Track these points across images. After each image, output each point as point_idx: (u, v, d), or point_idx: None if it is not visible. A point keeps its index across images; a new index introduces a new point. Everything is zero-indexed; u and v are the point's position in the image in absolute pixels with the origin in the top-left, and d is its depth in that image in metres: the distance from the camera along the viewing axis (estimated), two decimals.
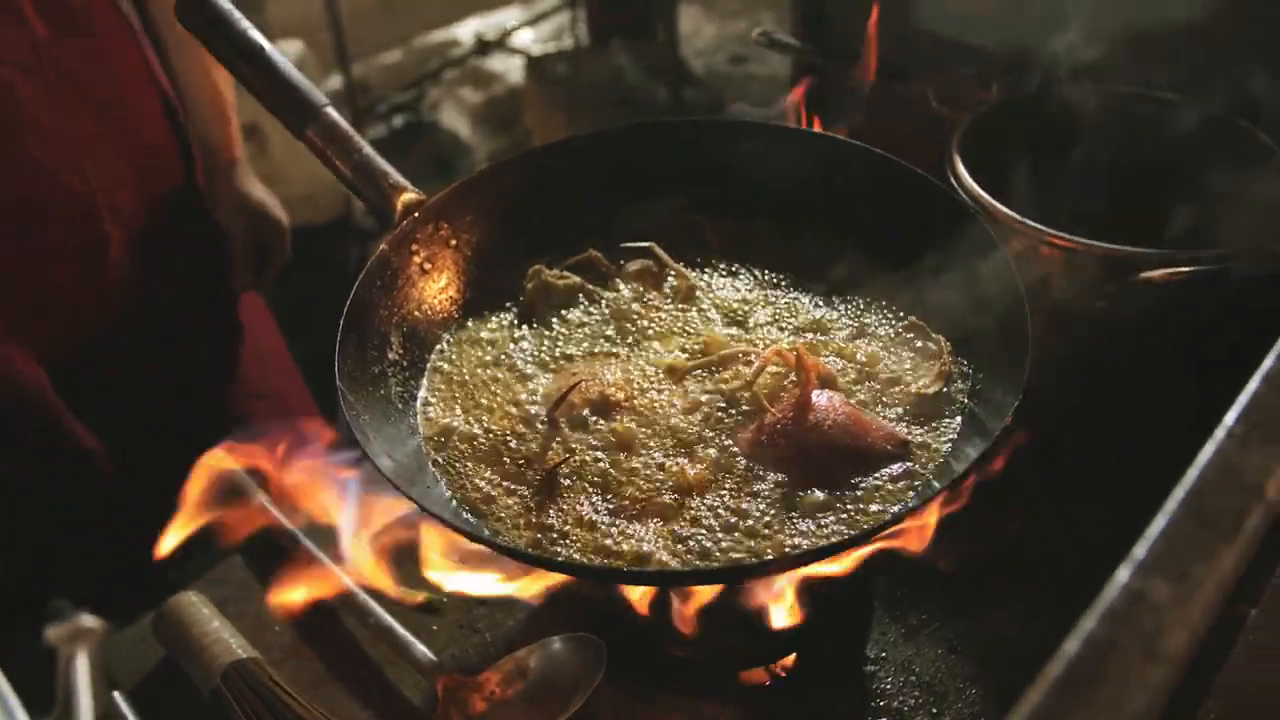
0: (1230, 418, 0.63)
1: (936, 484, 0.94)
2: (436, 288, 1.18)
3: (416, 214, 1.15)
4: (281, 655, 1.24)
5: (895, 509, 0.92)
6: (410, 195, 1.15)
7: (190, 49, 1.65)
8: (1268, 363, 0.68)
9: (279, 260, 1.86)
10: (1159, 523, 0.56)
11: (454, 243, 1.20)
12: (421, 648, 1.18)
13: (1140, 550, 0.55)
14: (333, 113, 1.17)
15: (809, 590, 1.10)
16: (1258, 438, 0.62)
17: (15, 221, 1.49)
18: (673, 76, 3.08)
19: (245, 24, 1.18)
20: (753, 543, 0.92)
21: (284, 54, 3.57)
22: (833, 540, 0.90)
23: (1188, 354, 1.20)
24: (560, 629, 1.13)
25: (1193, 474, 0.60)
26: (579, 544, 0.94)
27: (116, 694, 1.19)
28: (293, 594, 1.22)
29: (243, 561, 1.38)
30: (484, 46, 4.16)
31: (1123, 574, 0.54)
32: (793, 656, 1.15)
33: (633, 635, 1.15)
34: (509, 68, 4.20)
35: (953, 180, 1.30)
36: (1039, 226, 1.21)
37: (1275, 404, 0.64)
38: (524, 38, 4.50)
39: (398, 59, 4.40)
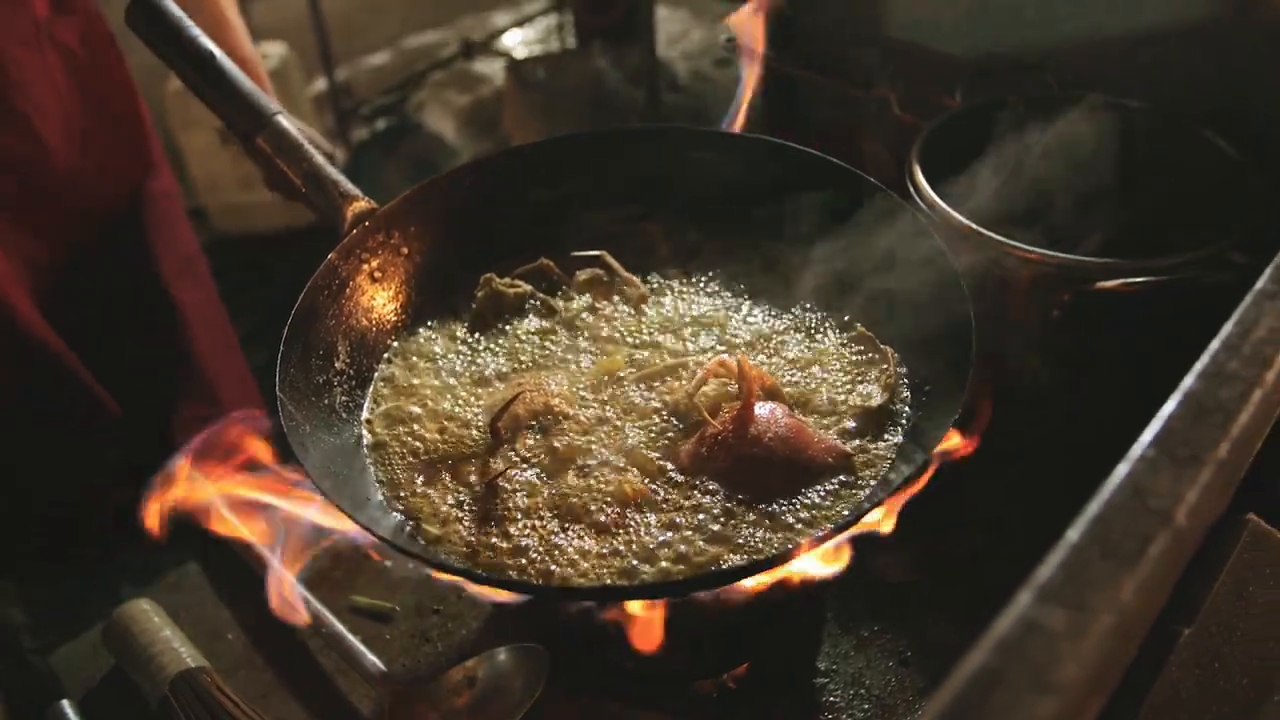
0: (1145, 438, 0.63)
1: (879, 496, 0.93)
2: (386, 296, 1.17)
3: (367, 223, 1.15)
4: (233, 664, 1.24)
5: (832, 524, 0.91)
6: (361, 204, 1.15)
7: (227, 22, 1.69)
8: (1187, 382, 0.67)
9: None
10: (1060, 549, 0.56)
11: (405, 251, 1.19)
12: (371, 657, 1.17)
13: (1039, 577, 0.54)
14: (283, 121, 1.16)
15: (759, 601, 1.09)
16: (1170, 461, 0.61)
17: (17, 190, 1.55)
18: (650, 81, 3.07)
19: (195, 31, 1.18)
20: (690, 557, 0.91)
21: (267, 56, 3.58)
22: (768, 555, 0.89)
23: (1144, 365, 1.20)
24: (514, 638, 1.13)
25: (1101, 497, 0.59)
26: (516, 557, 0.93)
27: (65, 703, 1.19)
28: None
29: (198, 568, 1.37)
30: (469, 49, 4.15)
31: (1021, 601, 0.53)
32: (743, 668, 1.14)
33: (582, 646, 1.14)
34: (495, 70, 4.19)
35: (911, 189, 1.29)
36: (994, 235, 1.20)
37: (1191, 425, 0.63)
38: (511, 40, 4.49)
39: (384, 61, 4.39)
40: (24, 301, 1.58)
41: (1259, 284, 0.75)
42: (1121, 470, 0.60)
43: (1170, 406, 0.64)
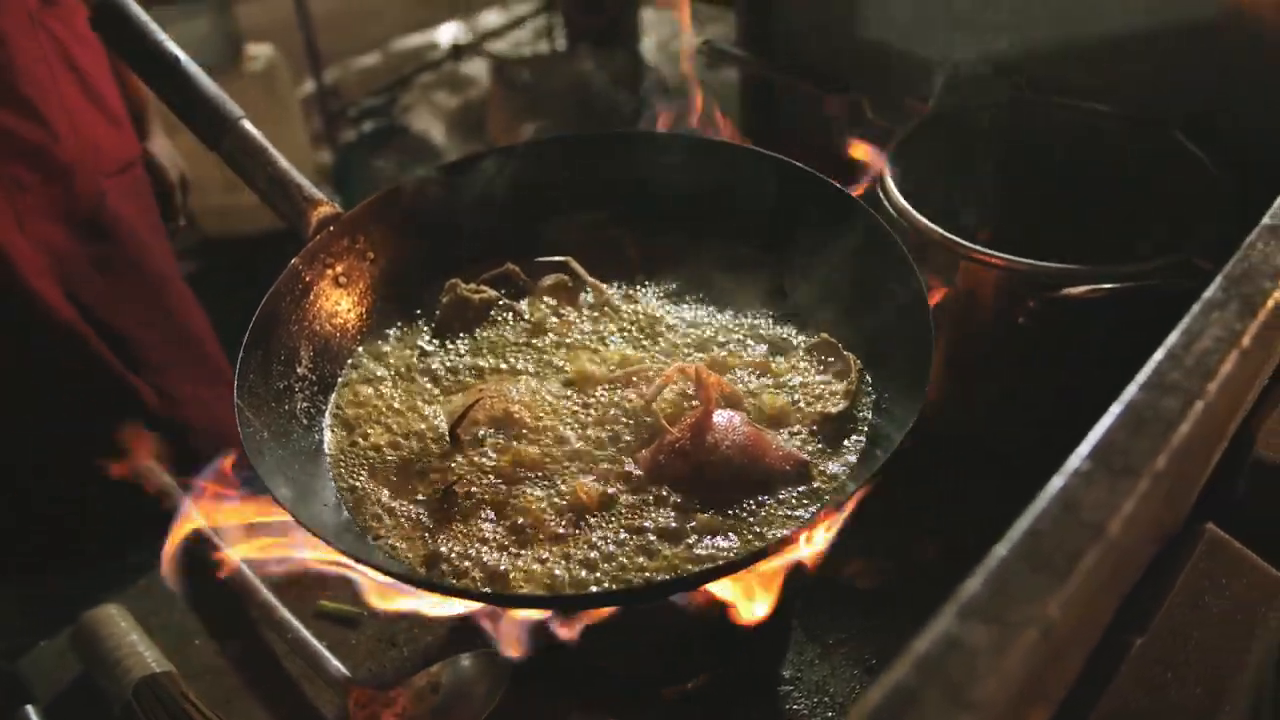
0: (1082, 450, 0.62)
1: (833, 505, 0.92)
2: (350, 301, 1.17)
3: (332, 228, 1.14)
4: (200, 669, 1.24)
5: (785, 531, 0.90)
6: (325, 209, 1.14)
7: None
8: (1129, 392, 0.66)
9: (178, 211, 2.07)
10: (988, 562, 0.55)
11: (370, 256, 1.19)
12: (335, 662, 1.17)
13: (964, 592, 0.54)
14: (247, 125, 1.16)
15: (721, 608, 1.09)
16: (1106, 473, 0.60)
17: (32, 175, 1.60)
18: (635, 83, 3.07)
19: (161, 35, 1.18)
20: (645, 565, 0.91)
21: (255, 57, 3.59)
22: (720, 564, 0.88)
23: (1110, 372, 1.19)
24: (480, 644, 1.12)
25: (1034, 510, 0.58)
26: (471, 565, 0.93)
27: (30, 708, 1.19)
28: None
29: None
30: (458, 51, 4.14)
31: (943, 617, 0.52)
32: (707, 675, 1.14)
33: (546, 653, 1.14)
34: (484, 72, 4.18)
35: (882, 194, 1.29)
36: (962, 242, 1.20)
37: (1130, 437, 0.63)
38: (501, 42, 4.48)
39: (374, 63, 4.39)
40: (54, 292, 1.61)
41: (1207, 293, 0.74)
42: (1056, 482, 0.60)
43: (1110, 417, 0.64)
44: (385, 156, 3.51)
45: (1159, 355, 0.68)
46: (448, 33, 4.55)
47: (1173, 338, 0.70)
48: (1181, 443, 0.63)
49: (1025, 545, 0.56)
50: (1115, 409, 0.64)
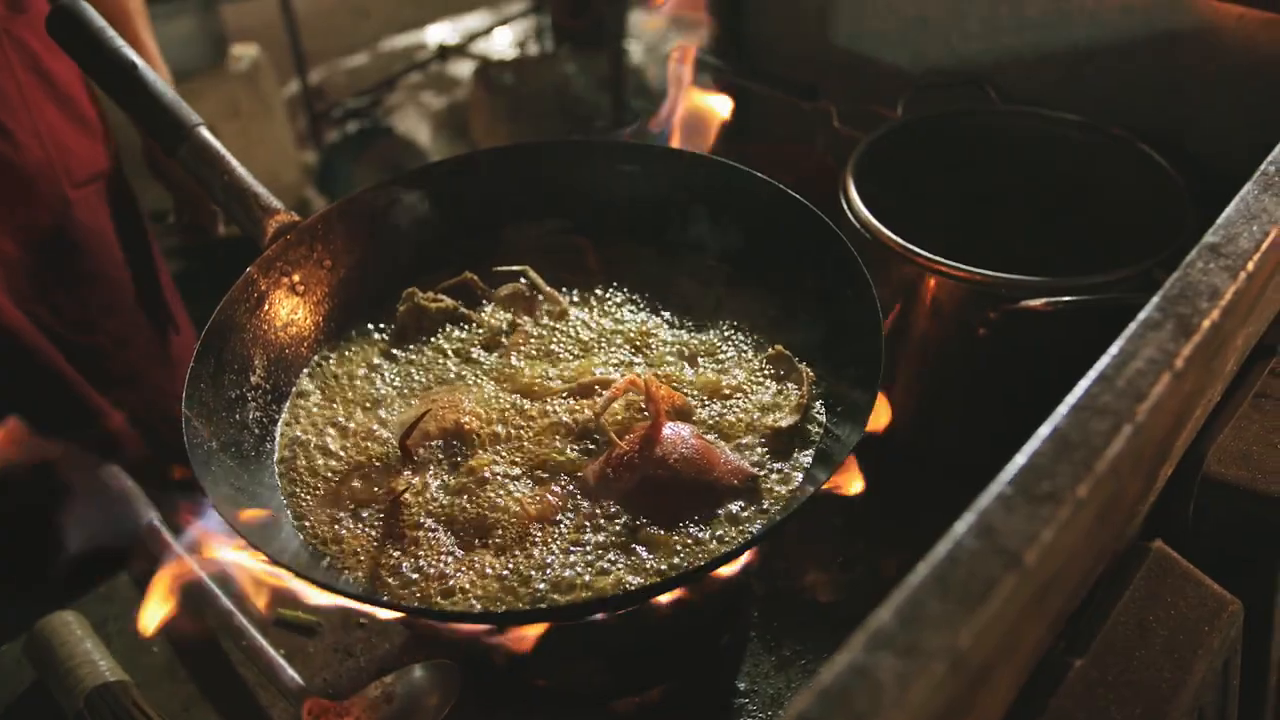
0: (1005, 475, 0.61)
1: (778, 520, 0.92)
2: (307, 310, 1.16)
3: (289, 236, 1.14)
4: (157, 677, 1.23)
5: (729, 546, 0.90)
6: (282, 217, 1.14)
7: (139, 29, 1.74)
8: (1058, 414, 0.66)
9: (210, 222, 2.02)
10: (901, 590, 0.55)
11: (327, 264, 1.18)
12: (290, 671, 1.16)
13: (875, 621, 0.53)
14: (204, 132, 1.15)
15: (678, 619, 1.08)
16: (1025, 499, 0.60)
17: None
18: (617, 86, 3.06)
19: (118, 41, 1.17)
20: (590, 580, 0.90)
21: (240, 58, 3.56)
22: (663, 579, 0.88)
23: (1072, 384, 1.19)
24: (436, 654, 1.12)
25: (951, 537, 0.58)
26: (416, 578, 0.92)
27: None
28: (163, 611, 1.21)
29: (130, 580, 1.36)
30: (445, 52, 4.13)
31: (852, 646, 0.52)
32: (662, 687, 1.13)
33: (497, 665, 1.14)
34: (471, 73, 4.18)
35: (844, 203, 1.28)
36: (922, 252, 1.19)
37: (1054, 461, 0.62)
38: (489, 43, 4.46)
39: (361, 63, 4.37)
40: (9, 305, 1.58)
41: (1143, 313, 0.73)
42: (976, 508, 0.59)
43: (1036, 441, 0.63)
44: (370, 157, 3.50)
45: (1090, 377, 0.68)
46: (435, 33, 4.54)
47: (1105, 359, 0.69)
48: (1109, 467, 0.62)
49: (938, 574, 0.55)
50: (1043, 432, 0.64)
